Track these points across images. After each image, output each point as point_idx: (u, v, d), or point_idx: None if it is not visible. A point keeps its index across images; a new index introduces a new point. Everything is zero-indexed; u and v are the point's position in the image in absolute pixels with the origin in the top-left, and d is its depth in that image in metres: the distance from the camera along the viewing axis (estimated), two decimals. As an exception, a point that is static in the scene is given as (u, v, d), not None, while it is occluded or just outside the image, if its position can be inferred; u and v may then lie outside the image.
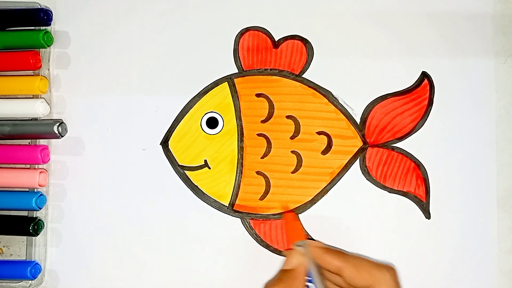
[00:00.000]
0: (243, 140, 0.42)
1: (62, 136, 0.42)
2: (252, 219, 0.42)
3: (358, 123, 0.42)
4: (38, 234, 0.41)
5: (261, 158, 0.42)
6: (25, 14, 0.42)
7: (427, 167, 0.41)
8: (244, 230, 0.42)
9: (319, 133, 0.42)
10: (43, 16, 0.42)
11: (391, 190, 0.42)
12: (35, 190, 0.42)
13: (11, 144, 0.42)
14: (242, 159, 0.42)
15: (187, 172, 0.42)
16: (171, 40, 0.43)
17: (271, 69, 0.42)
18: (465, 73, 0.42)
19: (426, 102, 0.42)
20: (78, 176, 0.43)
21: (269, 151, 0.42)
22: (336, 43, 0.42)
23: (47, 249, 0.42)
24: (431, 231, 0.41)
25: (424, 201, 0.41)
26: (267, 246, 0.41)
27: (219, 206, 0.42)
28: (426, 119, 0.42)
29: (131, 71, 0.43)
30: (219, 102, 0.42)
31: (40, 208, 0.41)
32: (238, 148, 0.42)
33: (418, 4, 0.42)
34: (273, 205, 0.42)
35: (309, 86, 0.42)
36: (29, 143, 0.42)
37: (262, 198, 0.42)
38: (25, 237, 0.42)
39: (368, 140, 0.42)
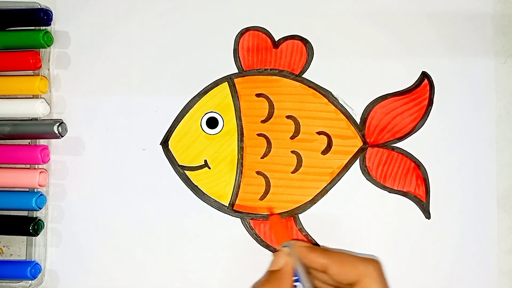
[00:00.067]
0: (243, 140, 0.42)
1: (62, 136, 0.42)
2: (252, 219, 0.42)
3: (358, 123, 0.42)
4: (38, 234, 0.41)
5: (261, 158, 0.42)
6: (25, 14, 0.42)
7: (427, 167, 0.41)
8: (244, 230, 0.42)
9: (319, 133, 0.42)
10: (43, 16, 0.42)
11: (391, 190, 0.42)
12: (35, 190, 0.42)
13: (11, 144, 0.42)
14: (242, 159, 0.42)
15: (187, 172, 0.42)
16: (171, 40, 0.43)
17: (271, 69, 0.42)
18: (465, 73, 0.42)
19: (426, 102, 0.42)
20: (78, 176, 0.43)
21: (269, 151, 0.42)
22: (336, 43, 0.42)
23: (47, 249, 0.42)
24: (431, 231, 0.41)
25: (424, 201, 0.41)
26: (267, 246, 0.41)
27: (219, 206, 0.42)
28: (426, 119, 0.42)
29: (131, 71, 0.43)
30: (219, 102, 0.42)
31: (40, 208, 0.41)
32: (238, 148, 0.42)
33: (418, 4, 0.42)
34: (273, 205, 0.42)
35: (309, 86, 0.42)
36: (29, 143, 0.42)
37: (262, 198, 0.42)
38: (25, 237, 0.42)
39: (368, 140, 0.42)
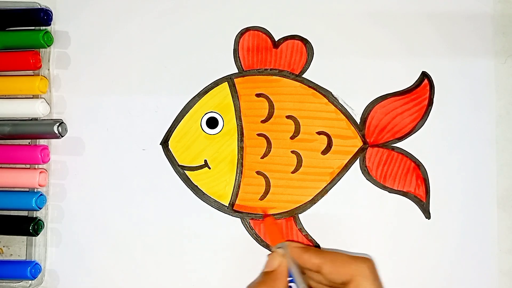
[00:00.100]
0: (243, 140, 0.42)
1: (62, 136, 0.42)
2: (252, 219, 0.42)
3: (358, 123, 0.42)
4: (38, 234, 0.41)
5: (261, 158, 0.42)
6: (25, 14, 0.42)
7: (427, 167, 0.41)
8: (244, 230, 0.42)
9: (319, 133, 0.42)
10: (43, 16, 0.42)
11: (391, 190, 0.42)
12: (35, 190, 0.42)
13: (11, 144, 0.42)
14: (242, 159, 0.42)
15: (187, 172, 0.42)
16: (171, 40, 0.43)
17: (271, 69, 0.42)
18: (465, 73, 0.42)
19: (426, 102, 0.42)
20: (78, 176, 0.43)
21: (269, 151, 0.42)
22: (336, 43, 0.42)
23: (47, 249, 0.42)
24: (431, 231, 0.41)
25: (424, 201, 0.41)
26: (267, 246, 0.41)
27: (219, 206, 0.42)
28: (426, 119, 0.42)
29: (131, 71, 0.43)
30: (219, 102, 0.42)
31: (40, 208, 0.41)
32: (238, 148, 0.42)
33: (418, 4, 0.42)
34: (273, 205, 0.42)
35: (309, 86, 0.42)
36: (29, 143, 0.42)
37: (262, 198, 0.42)
38: (25, 237, 0.42)
39: (368, 140, 0.42)
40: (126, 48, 0.43)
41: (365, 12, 0.42)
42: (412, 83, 0.42)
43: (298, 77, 0.42)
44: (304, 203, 0.42)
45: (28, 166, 0.42)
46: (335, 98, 0.42)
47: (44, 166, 0.42)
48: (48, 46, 0.42)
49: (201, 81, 0.42)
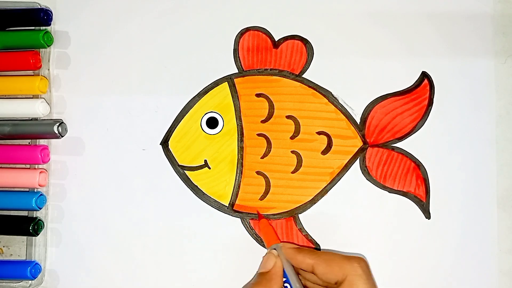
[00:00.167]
0: (243, 140, 0.42)
1: (62, 136, 0.42)
2: (252, 219, 0.42)
3: (358, 123, 0.42)
4: (38, 234, 0.41)
5: (261, 158, 0.42)
6: (25, 14, 0.42)
7: (427, 167, 0.41)
8: (244, 230, 0.42)
9: (319, 133, 0.42)
10: (43, 16, 0.42)
11: (391, 190, 0.42)
12: (35, 190, 0.42)
13: (11, 144, 0.42)
14: (242, 159, 0.42)
15: (187, 172, 0.42)
16: (171, 40, 0.43)
17: (271, 69, 0.42)
18: (465, 73, 0.42)
19: (426, 102, 0.42)
20: (78, 176, 0.43)
21: (269, 151, 0.42)
22: (336, 43, 0.42)
23: (47, 249, 0.42)
24: (431, 231, 0.41)
25: (424, 201, 0.41)
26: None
27: (219, 206, 0.42)
28: (426, 119, 0.42)
29: (131, 71, 0.43)
30: (219, 102, 0.42)
31: (40, 208, 0.41)
32: (238, 148, 0.42)
33: (418, 4, 0.42)
34: (273, 205, 0.42)
35: (309, 86, 0.42)
36: (29, 143, 0.42)
37: (262, 198, 0.42)
38: (25, 237, 0.42)
39: (368, 140, 0.42)
40: (126, 48, 0.43)
41: (365, 12, 0.42)
42: (412, 83, 0.42)
43: (298, 77, 0.42)
44: (304, 203, 0.42)
45: (28, 166, 0.42)
46: (335, 98, 0.42)
47: (44, 166, 0.42)
48: (48, 46, 0.42)
49: (201, 81, 0.42)
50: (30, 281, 0.41)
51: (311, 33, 0.42)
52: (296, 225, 0.41)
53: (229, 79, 0.42)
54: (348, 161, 0.42)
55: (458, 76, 0.42)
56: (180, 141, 0.42)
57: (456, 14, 0.42)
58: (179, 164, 0.42)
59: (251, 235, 0.42)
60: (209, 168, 0.42)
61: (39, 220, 0.41)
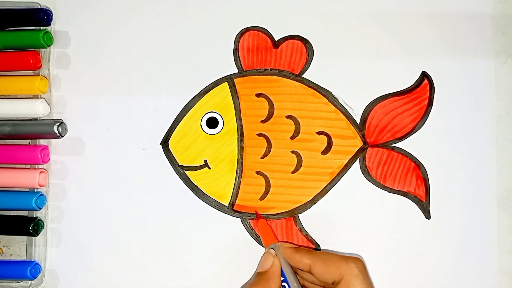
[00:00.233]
0: (243, 140, 0.42)
1: (62, 136, 0.42)
2: (252, 219, 0.42)
3: (358, 123, 0.42)
4: (38, 234, 0.41)
5: (261, 158, 0.42)
6: (25, 14, 0.42)
7: (427, 167, 0.41)
8: (244, 230, 0.42)
9: (319, 133, 0.42)
10: (43, 16, 0.42)
11: (391, 190, 0.42)
12: (35, 190, 0.42)
13: (11, 144, 0.42)
14: (242, 159, 0.42)
15: (187, 172, 0.42)
16: (171, 40, 0.43)
17: (271, 69, 0.42)
18: (465, 73, 0.42)
19: (426, 102, 0.42)
20: (78, 176, 0.43)
21: (269, 151, 0.42)
22: (336, 43, 0.42)
23: (47, 249, 0.42)
24: (431, 231, 0.41)
25: (424, 201, 0.41)
26: (267, 246, 0.41)
27: (219, 206, 0.42)
28: (426, 119, 0.42)
29: (131, 71, 0.43)
30: (219, 102, 0.42)
31: (40, 208, 0.41)
32: (238, 148, 0.42)
33: (418, 4, 0.42)
34: (273, 205, 0.42)
35: (309, 86, 0.42)
36: (29, 143, 0.42)
37: (262, 198, 0.42)
38: (25, 237, 0.42)
39: (368, 140, 0.42)
40: (126, 48, 0.43)
41: (365, 12, 0.42)
42: (412, 83, 0.42)
43: (298, 77, 0.42)
44: (304, 203, 0.42)
45: (28, 166, 0.42)
46: (335, 98, 0.42)
47: (44, 166, 0.42)
48: (48, 46, 0.42)
49: (201, 81, 0.42)
50: (30, 281, 0.41)
51: (311, 33, 0.42)
52: (296, 225, 0.41)
53: (229, 79, 0.42)
54: (348, 161, 0.42)
55: (458, 76, 0.42)
56: (180, 141, 0.42)
57: (456, 14, 0.42)
58: (179, 164, 0.42)
59: (251, 235, 0.42)
60: (209, 168, 0.42)
61: (39, 220, 0.41)
